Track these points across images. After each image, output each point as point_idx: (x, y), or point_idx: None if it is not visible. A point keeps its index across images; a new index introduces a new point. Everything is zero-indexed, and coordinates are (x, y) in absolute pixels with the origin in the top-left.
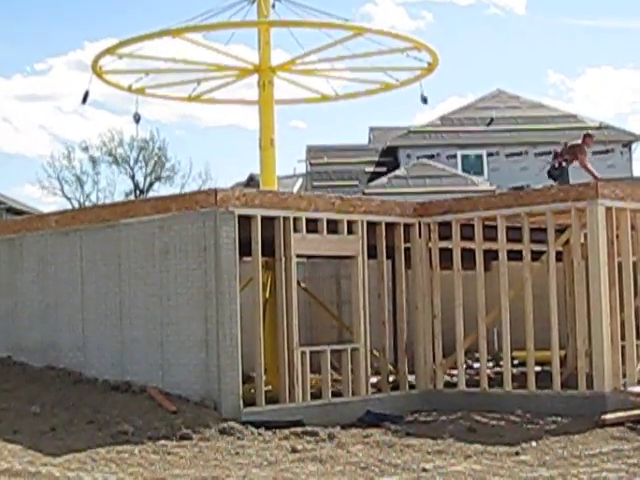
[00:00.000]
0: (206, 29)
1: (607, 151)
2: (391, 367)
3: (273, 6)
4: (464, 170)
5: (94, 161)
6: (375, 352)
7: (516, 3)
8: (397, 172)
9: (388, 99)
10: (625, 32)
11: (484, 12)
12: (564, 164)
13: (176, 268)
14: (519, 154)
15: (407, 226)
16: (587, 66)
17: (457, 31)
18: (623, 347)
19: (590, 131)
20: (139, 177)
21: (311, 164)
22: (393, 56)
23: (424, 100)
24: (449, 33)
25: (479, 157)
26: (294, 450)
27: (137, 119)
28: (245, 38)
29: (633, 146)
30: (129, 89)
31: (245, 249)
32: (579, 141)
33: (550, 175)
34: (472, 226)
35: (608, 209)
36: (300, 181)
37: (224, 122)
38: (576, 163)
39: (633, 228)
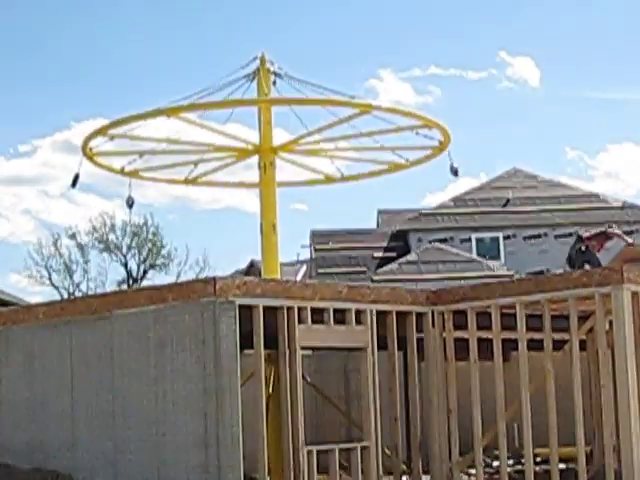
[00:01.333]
0: (203, 108)
1: (631, 232)
2: (404, 466)
3: (274, 83)
4: (479, 254)
5: (82, 249)
6: (387, 450)
7: (530, 75)
8: (408, 257)
9: (397, 180)
10: None
11: (496, 86)
12: (591, 249)
13: (173, 362)
14: (538, 236)
15: (419, 315)
16: (607, 142)
17: (467, 107)
18: None
19: (612, 226)
20: (132, 265)
21: (315, 250)
22: (401, 134)
23: (455, 172)
24: (459, 109)
25: (495, 240)
26: None
27: (130, 204)
28: (244, 117)
29: None
30: (122, 172)
31: (246, 341)
32: (603, 229)
33: (570, 261)
34: (489, 314)
35: (634, 294)
36: (304, 268)
37: (221, 205)
38: (607, 244)
39: None
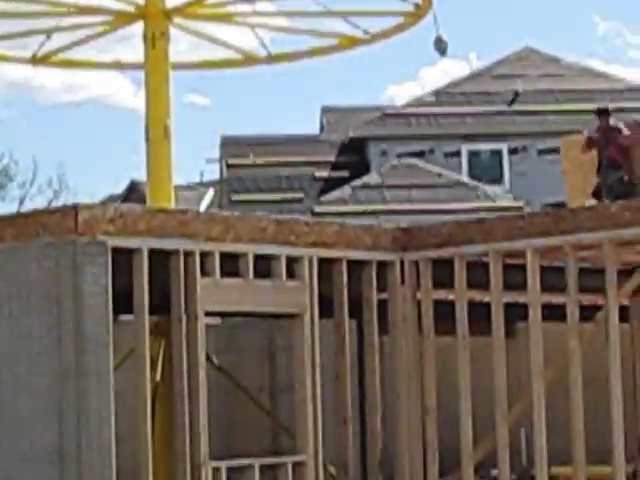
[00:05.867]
0: None
1: None
2: None
3: None
4: (472, 175)
5: None
6: (331, 468)
7: None
8: (366, 178)
9: (351, 63)
10: None
11: None
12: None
13: (11, 333)
14: (560, 150)
15: (382, 265)
16: None
17: None
18: None
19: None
20: None
21: (228, 166)
22: None
23: (442, 48)
24: None
25: (496, 154)
26: None
27: None
28: None
29: None
30: None
31: (123, 302)
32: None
33: (598, 194)
34: (486, 265)
35: None
36: (210, 193)
37: (83, 96)
38: None
39: None
